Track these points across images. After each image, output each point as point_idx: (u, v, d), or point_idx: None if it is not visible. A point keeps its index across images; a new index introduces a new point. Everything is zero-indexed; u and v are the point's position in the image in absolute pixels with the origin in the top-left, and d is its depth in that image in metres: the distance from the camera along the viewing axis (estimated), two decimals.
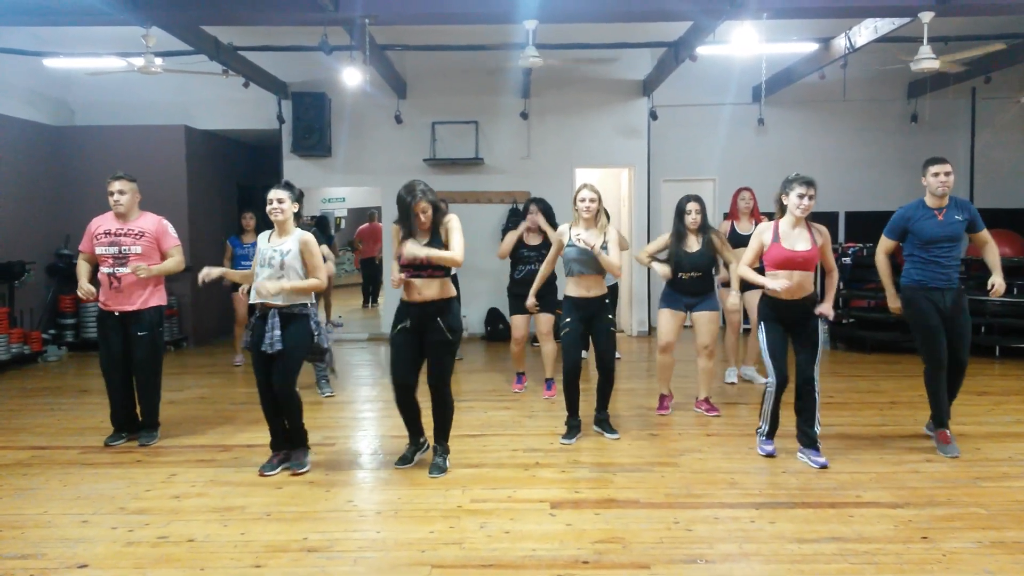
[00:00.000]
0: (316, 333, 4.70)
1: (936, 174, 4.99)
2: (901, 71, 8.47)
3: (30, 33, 8.59)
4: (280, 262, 4.56)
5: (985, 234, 5.08)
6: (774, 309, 4.76)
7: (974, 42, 7.59)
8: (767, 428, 4.89)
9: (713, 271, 5.83)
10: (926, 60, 6.26)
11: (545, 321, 6.53)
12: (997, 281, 4.95)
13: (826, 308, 4.75)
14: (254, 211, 8.41)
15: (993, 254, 5.09)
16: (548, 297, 6.55)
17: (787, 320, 4.75)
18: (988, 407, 6.12)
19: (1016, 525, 3.78)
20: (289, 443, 4.75)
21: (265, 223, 5.01)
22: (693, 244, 5.72)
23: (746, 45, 6.58)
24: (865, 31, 7.27)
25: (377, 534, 3.77)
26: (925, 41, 6.26)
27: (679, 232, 5.75)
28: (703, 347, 5.84)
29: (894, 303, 5.16)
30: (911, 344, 8.54)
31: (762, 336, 4.79)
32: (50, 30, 8.57)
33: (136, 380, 5.34)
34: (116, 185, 5.24)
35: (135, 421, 5.42)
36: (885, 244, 5.18)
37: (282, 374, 4.55)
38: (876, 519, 3.86)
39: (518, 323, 6.69)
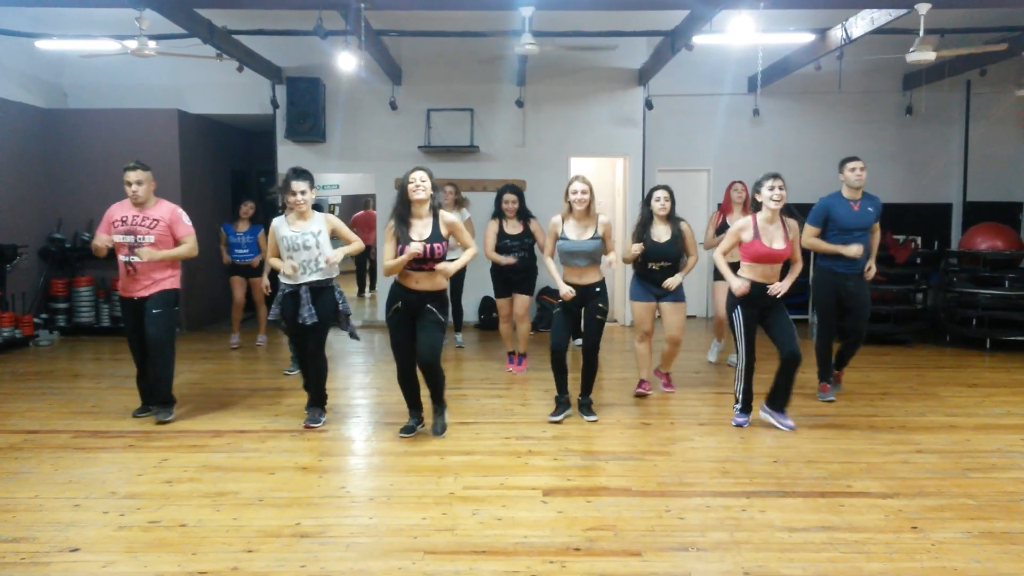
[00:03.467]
0: (340, 302, 5.29)
1: (853, 169, 5.86)
2: (897, 63, 8.47)
3: (23, 14, 8.50)
4: (316, 242, 5.11)
5: (876, 225, 6.01)
6: (748, 293, 5.09)
7: (973, 34, 7.59)
8: (741, 404, 5.31)
9: (680, 262, 5.91)
10: (921, 52, 6.26)
11: (521, 303, 6.85)
12: (873, 266, 5.96)
13: (779, 286, 5.07)
14: (252, 200, 8.53)
15: (876, 241, 6.05)
16: (527, 282, 6.91)
17: (760, 302, 5.10)
18: (978, 399, 6.15)
19: (1004, 516, 3.81)
20: (311, 402, 5.40)
21: (263, 213, 5.29)
22: (663, 234, 5.82)
23: (742, 35, 6.56)
24: (862, 22, 7.26)
25: (370, 520, 3.78)
26: (921, 33, 6.26)
27: (645, 219, 5.88)
28: (671, 338, 6.02)
29: (848, 251, 5.76)
30: (902, 336, 8.64)
31: (737, 318, 5.17)
32: (43, 11, 8.49)
33: (149, 357, 5.46)
34: (132, 176, 5.35)
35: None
36: (811, 231, 5.93)
37: (316, 341, 5.26)
38: (866, 509, 3.89)
39: (503, 303, 6.99)
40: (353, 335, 5.41)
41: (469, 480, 4.31)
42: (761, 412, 5.32)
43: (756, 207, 5.15)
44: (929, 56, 6.30)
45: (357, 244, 5.28)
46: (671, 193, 5.86)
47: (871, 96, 10.26)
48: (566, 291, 5.34)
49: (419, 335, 4.88)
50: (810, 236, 5.90)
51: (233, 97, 9.91)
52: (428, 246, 4.74)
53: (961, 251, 9.13)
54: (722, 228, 6.89)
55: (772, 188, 4.99)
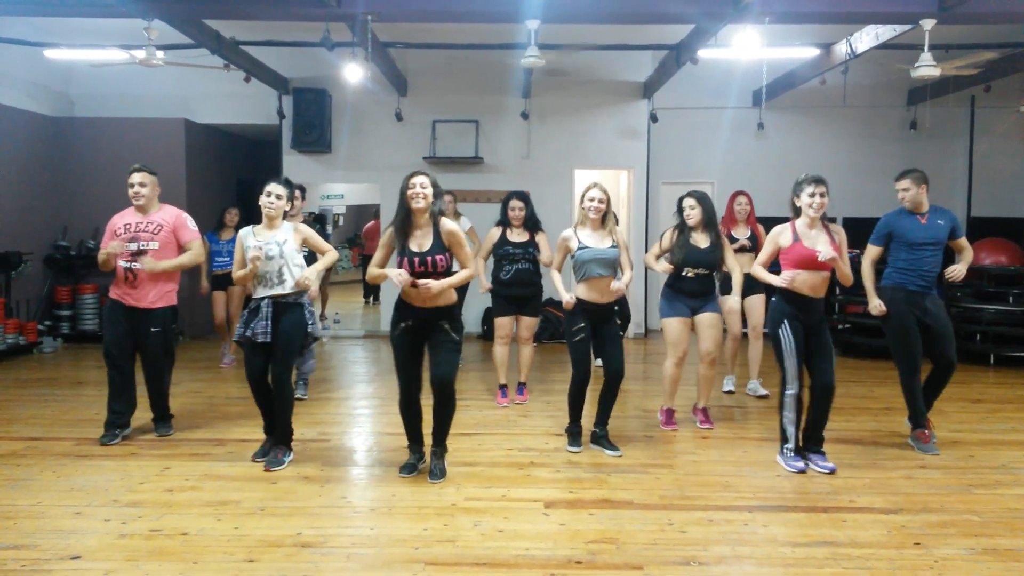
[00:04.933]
0: (311, 323, 4.79)
1: (897, 190, 5.25)
2: (901, 78, 8.49)
3: (31, 23, 8.57)
4: (279, 251, 4.65)
5: (963, 241, 5.33)
6: (794, 307, 4.62)
7: (972, 49, 7.62)
8: (793, 443, 4.69)
9: (715, 274, 5.59)
10: (926, 67, 6.28)
11: (528, 326, 6.37)
12: (960, 268, 5.27)
13: (876, 306, 4.82)
14: (240, 207, 8.18)
15: (967, 259, 5.36)
16: (536, 300, 6.41)
17: (805, 321, 4.63)
18: (983, 415, 6.13)
19: (1008, 533, 3.79)
20: (273, 436, 4.82)
21: (248, 220, 4.98)
22: (702, 240, 5.44)
23: (747, 49, 6.59)
24: (866, 37, 7.29)
25: (371, 531, 3.77)
26: (926, 48, 6.27)
27: (680, 226, 5.53)
28: (706, 353, 5.53)
29: (874, 303, 5.21)
30: None
31: (784, 336, 4.62)
32: (52, 21, 8.54)
33: (147, 375, 5.33)
34: (136, 177, 5.21)
35: (133, 409, 5.38)
36: (872, 252, 5.29)
37: (279, 363, 4.65)
38: (869, 524, 3.87)
39: (503, 323, 6.37)
40: (307, 364, 5.06)
41: (471, 491, 4.30)
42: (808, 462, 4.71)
43: (796, 212, 4.68)
44: (934, 71, 6.31)
45: (331, 256, 4.89)
46: (699, 200, 5.47)
47: (875, 110, 10.29)
48: (568, 299, 4.93)
49: (433, 355, 4.41)
50: (869, 258, 5.25)
51: (240, 107, 9.96)
52: (430, 259, 4.29)
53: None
54: (730, 242, 6.74)
55: (813, 195, 4.53)
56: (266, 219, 4.74)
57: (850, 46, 7.59)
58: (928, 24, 6.13)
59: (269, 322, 4.62)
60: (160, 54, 6.74)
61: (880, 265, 5.33)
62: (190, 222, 5.37)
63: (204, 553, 3.49)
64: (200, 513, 3.95)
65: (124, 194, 5.38)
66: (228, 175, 10.91)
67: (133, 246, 5.18)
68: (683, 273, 5.43)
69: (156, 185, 5.32)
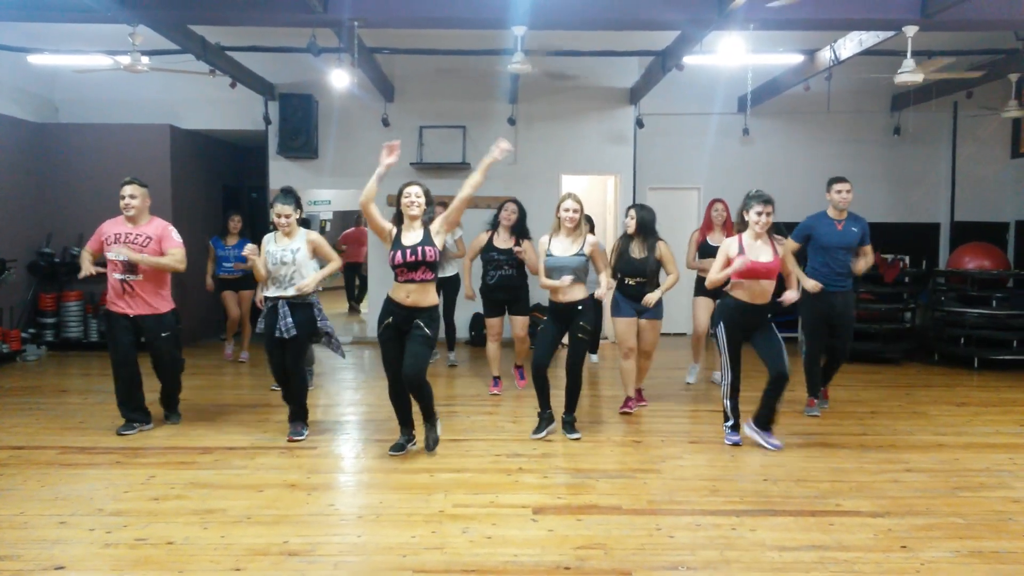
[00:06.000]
0: (319, 319, 5.37)
1: (839, 191, 5.95)
2: (885, 84, 8.56)
3: (15, 28, 8.50)
4: (292, 259, 5.24)
5: (867, 248, 6.04)
6: (737, 313, 5.16)
7: (959, 56, 7.69)
8: (733, 422, 5.31)
9: (657, 279, 5.95)
10: (909, 73, 6.34)
11: (520, 324, 6.82)
12: (861, 264, 6.01)
13: (790, 294, 5.23)
14: (241, 214, 8.64)
15: (866, 263, 6.04)
16: (523, 301, 6.87)
17: (748, 324, 5.16)
18: (967, 418, 6.17)
19: (993, 535, 3.82)
20: (292, 416, 5.45)
21: (250, 226, 5.27)
22: (637, 251, 5.89)
23: (732, 55, 6.64)
24: (850, 44, 7.34)
25: (358, 538, 3.76)
26: (909, 55, 6.33)
27: (623, 235, 6.05)
28: (644, 354, 6.13)
29: (808, 284, 5.84)
30: (891, 355, 8.67)
31: (722, 337, 5.20)
32: (36, 26, 8.46)
33: (160, 377, 5.63)
34: (127, 190, 5.40)
35: (143, 412, 5.64)
36: (790, 246, 5.85)
37: (292, 357, 5.28)
38: (856, 528, 3.89)
39: (493, 323, 6.89)
40: (339, 352, 5.50)
41: (459, 498, 4.29)
42: (746, 428, 5.27)
43: (743, 225, 5.16)
44: (917, 77, 6.37)
45: (334, 264, 5.45)
46: (637, 212, 5.91)
47: (859, 116, 10.35)
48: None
49: (406, 349, 4.85)
50: (788, 250, 5.68)
51: (225, 113, 9.92)
52: (421, 249, 4.81)
53: (949, 270, 9.20)
54: (703, 247, 6.88)
55: (760, 214, 5.03)
56: (283, 232, 5.33)
57: (834, 52, 7.65)
58: (911, 31, 6.19)
59: (290, 319, 5.19)
60: (145, 60, 6.70)
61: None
62: (174, 233, 5.58)
63: (190, 562, 3.47)
64: (186, 522, 3.92)
65: (109, 201, 5.47)
66: (214, 181, 10.85)
67: (122, 256, 5.33)
68: (626, 281, 5.93)
69: (147, 197, 5.52)
